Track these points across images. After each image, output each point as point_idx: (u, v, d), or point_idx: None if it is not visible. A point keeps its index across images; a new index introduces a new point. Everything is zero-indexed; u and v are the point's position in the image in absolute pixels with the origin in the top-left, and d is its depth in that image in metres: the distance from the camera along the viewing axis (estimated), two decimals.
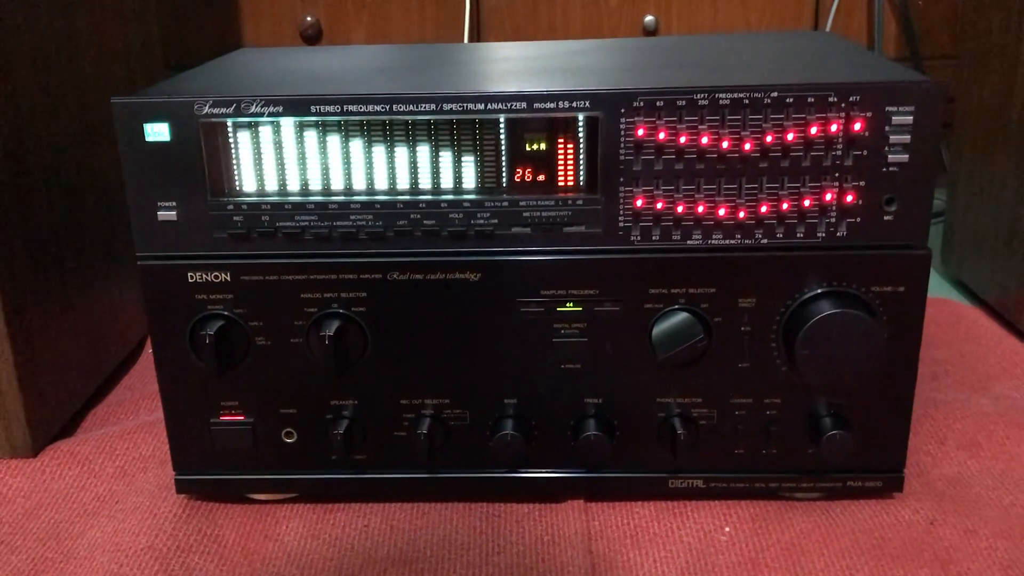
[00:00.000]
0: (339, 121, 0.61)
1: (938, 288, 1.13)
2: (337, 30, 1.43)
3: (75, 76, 0.86)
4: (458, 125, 0.62)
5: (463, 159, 0.62)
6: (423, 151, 0.62)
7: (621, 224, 0.63)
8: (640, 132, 0.60)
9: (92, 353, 0.88)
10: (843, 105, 0.59)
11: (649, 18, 1.40)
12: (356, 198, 0.63)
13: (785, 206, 0.62)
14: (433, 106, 0.61)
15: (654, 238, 0.63)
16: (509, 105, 0.61)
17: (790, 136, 0.60)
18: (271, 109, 0.61)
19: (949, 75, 1.12)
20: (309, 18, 1.40)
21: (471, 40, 1.42)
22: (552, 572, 0.64)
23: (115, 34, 0.94)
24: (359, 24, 1.44)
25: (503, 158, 0.62)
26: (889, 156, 0.60)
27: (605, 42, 0.83)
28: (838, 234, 0.62)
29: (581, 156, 0.62)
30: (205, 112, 0.61)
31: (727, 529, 0.68)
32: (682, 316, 0.64)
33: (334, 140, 0.62)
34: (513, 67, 0.73)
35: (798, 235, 0.62)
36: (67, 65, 0.84)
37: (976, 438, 0.77)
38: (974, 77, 1.05)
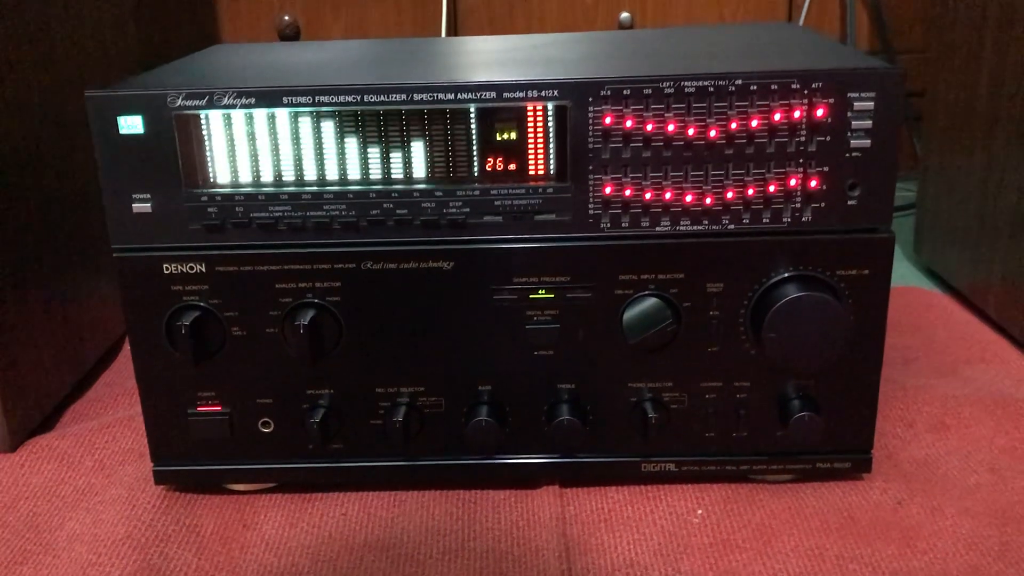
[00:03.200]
0: (311, 112, 0.62)
1: (910, 277, 1.14)
2: (315, 29, 1.44)
3: (50, 73, 0.86)
4: (429, 115, 0.62)
5: (434, 149, 0.63)
6: (395, 140, 0.63)
7: (591, 211, 0.64)
8: (608, 120, 0.61)
9: (71, 349, 0.89)
10: (806, 92, 0.61)
11: (625, 14, 1.41)
12: (329, 188, 0.64)
13: (751, 192, 0.63)
14: (404, 96, 0.61)
15: (623, 225, 0.64)
16: (479, 95, 0.62)
17: (754, 123, 0.61)
18: (243, 101, 0.62)
19: (921, 68, 1.14)
20: (287, 17, 1.41)
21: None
22: (527, 556, 0.65)
23: (91, 33, 0.94)
24: (336, 23, 1.44)
25: (474, 147, 0.63)
26: (851, 141, 0.62)
27: (576, 35, 0.84)
28: (803, 219, 0.63)
29: (551, 145, 0.63)
30: (178, 104, 0.62)
31: (699, 511, 0.69)
32: (652, 301, 0.65)
33: (306, 131, 0.63)
34: (484, 59, 0.74)
35: (764, 220, 0.64)
36: (41, 63, 0.84)
37: (944, 420, 0.79)
38: (942, 70, 1.07)
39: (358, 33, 1.44)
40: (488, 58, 0.74)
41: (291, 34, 1.42)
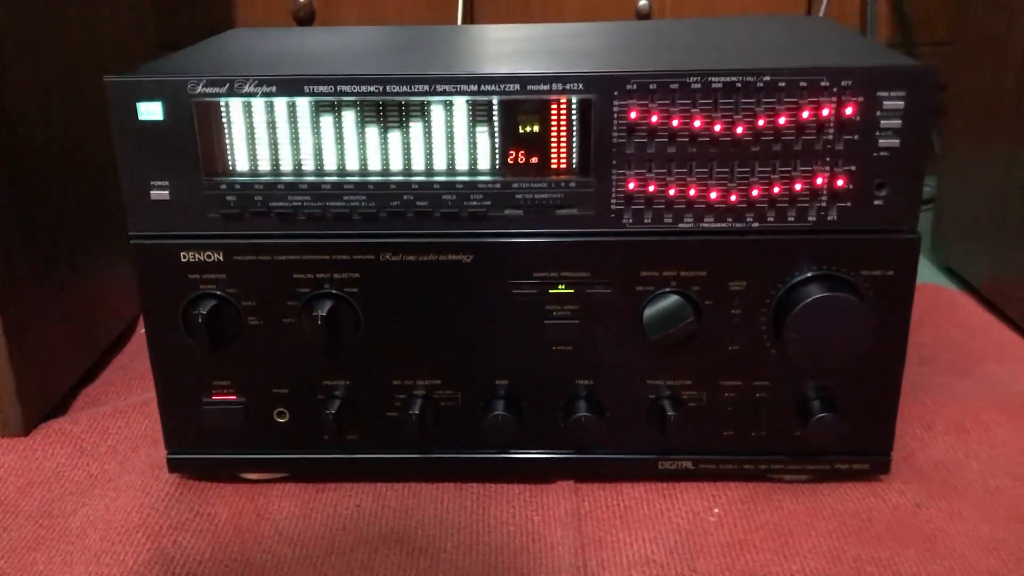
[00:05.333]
0: (332, 101, 0.62)
1: (927, 274, 1.13)
2: (330, 12, 1.43)
3: (67, 55, 0.85)
4: (451, 106, 0.62)
5: (456, 140, 0.62)
6: (416, 132, 0.62)
7: (613, 207, 0.63)
8: (633, 115, 0.61)
9: (84, 333, 0.88)
10: (835, 89, 0.60)
11: (643, 2, 1.40)
12: (349, 179, 0.63)
13: (776, 190, 0.62)
14: (427, 87, 0.61)
15: (646, 221, 0.63)
16: (503, 87, 0.61)
17: (782, 120, 0.60)
18: (264, 89, 0.61)
19: (943, 62, 1.12)
20: (302, 0, 1.40)
21: (464, 23, 1.42)
22: (542, 552, 0.65)
23: (108, 14, 0.94)
24: (352, 6, 1.43)
25: (496, 140, 0.62)
26: (880, 141, 0.61)
27: (598, 25, 0.83)
28: (828, 218, 0.63)
29: (574, 139, 0.62)
30: (199, 91, 0.61)
31: (716, 510, 0.68)
32: (673, 299, 0.64)
33: (327, 120, 0.62)
34: (506, 49, 0.73)
35: (789, 219, 0.63)
36: (59, 44, 0.84)
37: (963, 422, 0.78)
38: (966, 64, 1.05)
39: (373, 17, 1.43)
40: (510, 48, 0.73)
41: (306, 17, 1.41)
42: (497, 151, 0.63)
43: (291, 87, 0.61)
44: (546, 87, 0.61)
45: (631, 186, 0.62)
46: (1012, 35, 0.95)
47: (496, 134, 0.62)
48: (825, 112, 0.60)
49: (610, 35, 0.77)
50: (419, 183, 0.63)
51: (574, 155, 0.62)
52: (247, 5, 1.43)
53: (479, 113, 0.62)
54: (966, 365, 0.89)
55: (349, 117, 0.62)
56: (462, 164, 0.63)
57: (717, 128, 0.61)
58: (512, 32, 0.80)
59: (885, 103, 0.60)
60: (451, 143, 0.62)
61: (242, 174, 0.63)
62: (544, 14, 1.44)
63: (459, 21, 1.41)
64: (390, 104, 0.62)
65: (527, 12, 1.44)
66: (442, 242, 0.64)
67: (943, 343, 0.94)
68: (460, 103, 0.61)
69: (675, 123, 0.61)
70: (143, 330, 0.68)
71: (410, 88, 0.61)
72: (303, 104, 0.62)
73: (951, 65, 1.09)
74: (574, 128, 0.62)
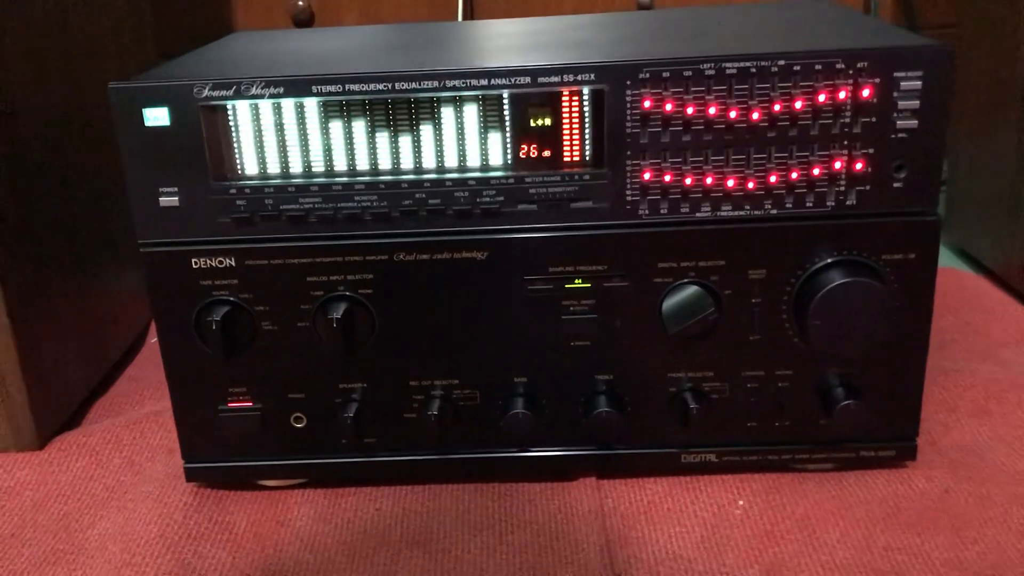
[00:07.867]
0: (341, 100, 0.61)
1: (942, 257, 1.11)
2: (328, 14, 1.42)
3: (67, 63, 0.85)
4: (461, 101, 0.61)
5: (467, 136, 0.62)
6: (426, 129, 0.61)
7: (628, 198, 0.62)
8: (646, 104, 0.60)
9: (95, 343, 0.88)
10: (851, 72, 0.59)
11: None
12: (360, 179, 0.62)
13: (794, 175, 0.61)
14: (436, 83, 0.60)
15: (662, 211, 0.62)
16: (513, 80, 0.60)
17: (798, 104, 0.59)
18: (272, 90, 0.60)
19: (948, 44, 1.11)
20: (300, 2, 1.39)
21: (465, 20, 1.41)
22: (567, 550, 0.64)
23: (107, 20, 0.93)
24: (351, 7, 1.42)
25: (507, 134, 0.61)
26: (898, 122, 0.60)
27: (604, 16, 0.82)
28: (847, 202, 0.62)
29: (587, 130, 0.61)
30: (205, 95, 0.60)
31: (741, 503, 0.68)
32: (692, 290, 0.63)
33: (336, 120, 0.61)
34: (514, 43, 0.72)
35: (807, 204, 0.62)
36: (59, 52, 0.83)
37: (987, 405, 0.77)
38: (974, 44, 1.04)
39: (373, 17, 1.42)
40: (517, 42, 0.72)
41: (305, 19, 1.40)
42: (509, 145, 0.62)
43: (299, 87, 0.60)
44: (557, 79, 0.60)
45: (646, 176, 0.61)
46: (1019, 15, 0.94)
47: (508, 128, 0.61)
48: (841, 95, 0.59)
49: (617, 25, 0.76)
50: (431, 181, 0.62)
51: (587, 147, 0.62)
52: (245, 9, 1.42)
53: (490, 108, 0.61)
54: (986, 347, 0.88)
55: (358, 115, 0.61)
56: (474, 160, 0.62)
57: (732, 115, 0.60)
58: (517, 26, 0.79)
59: (902, 84, 0.59)
60: (462, 139, 0.62)
61: (251, 177, 0.62)
62: (544, 11, 1.43)
63: (459, 19, 1.40)
64: (399, 101, 0.61)
65: (526, 10, 1.43)
66: (456, 240, 0.63)
67: (962, 326, 0.93)
68: (470, 98, 0.61)
69: (690, 111, 0.60)
70: (154, 339, 0.67)
71: (419, 84, 0.60)
72: (311, 104, 0.61)
73: (958, 46, 1.08)
74: (587, 119, 0.61)
